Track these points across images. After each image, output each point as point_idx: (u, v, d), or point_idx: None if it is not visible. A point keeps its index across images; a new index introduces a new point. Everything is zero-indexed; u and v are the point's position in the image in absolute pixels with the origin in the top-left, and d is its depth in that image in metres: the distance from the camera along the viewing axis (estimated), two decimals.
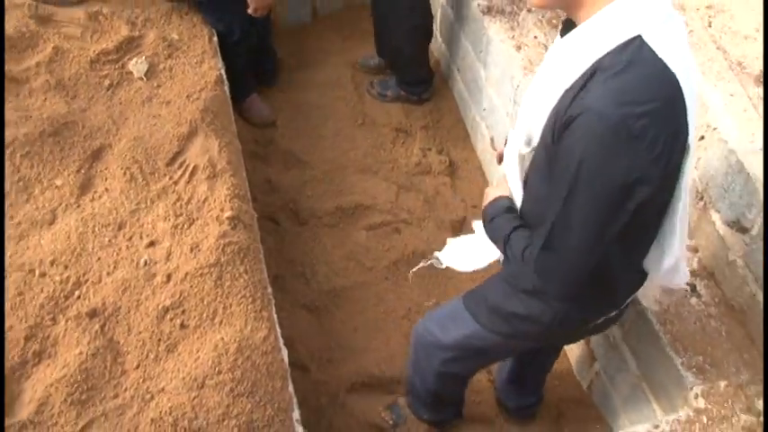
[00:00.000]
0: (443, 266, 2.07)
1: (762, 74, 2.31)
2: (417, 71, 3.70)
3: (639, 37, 1.34)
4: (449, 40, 3.79)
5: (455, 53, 3.72)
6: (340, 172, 3.44)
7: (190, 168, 2.46)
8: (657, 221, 1.59)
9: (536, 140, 1.58)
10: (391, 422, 2.63)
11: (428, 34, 3.60)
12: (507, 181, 1.79)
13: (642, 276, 1.76)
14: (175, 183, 2.44)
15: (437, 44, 3.97)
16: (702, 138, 2.29)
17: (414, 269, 2.21)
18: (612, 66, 1.34)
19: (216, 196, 2.38)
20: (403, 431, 2.60)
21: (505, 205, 1.79)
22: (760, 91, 2.28)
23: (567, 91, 1.40)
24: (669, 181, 1.45)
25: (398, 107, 3.73)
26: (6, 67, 2.76)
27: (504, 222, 1.75)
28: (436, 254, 2.10)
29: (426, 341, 2.19)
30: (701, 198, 2.32)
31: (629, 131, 1.31)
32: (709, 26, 2.46)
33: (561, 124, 1.40)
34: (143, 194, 2.41)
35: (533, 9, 3.06)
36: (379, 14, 3.51)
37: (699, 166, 2.33)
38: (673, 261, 1.65)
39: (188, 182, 2.42)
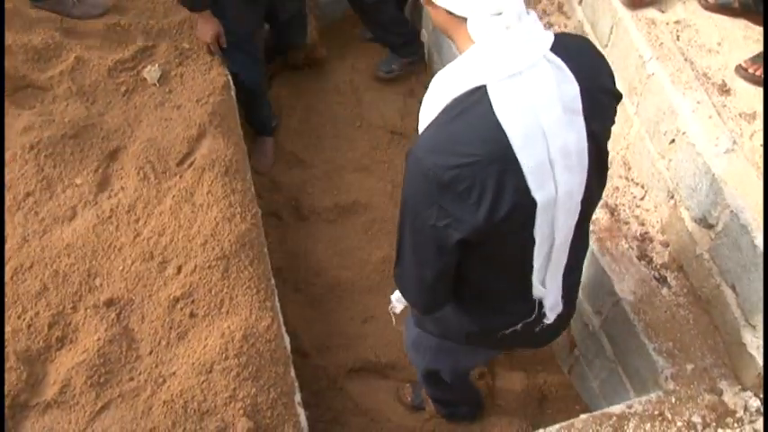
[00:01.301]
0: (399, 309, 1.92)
1: (725, 84, 2.33)
2: (402, 33, 3.79)
3: (483, 87, 1.24)
4: (439, 48, 3.79)
5: (446, 60, 3.72)
6: (338, 171, 3.45)
7: (199, 168, 2.47)
8: (519, 257, 1.47)
9: None
10: (410, 399, 2.63)
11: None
12: None
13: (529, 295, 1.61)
14: (185, 181, 2.44)
15: (428, 51, 3.97)
16: (673, 141, 2.31)
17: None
18: (451, 110, 1.26)
19: (223, 194, 2.39)
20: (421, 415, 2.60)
21: None
22: (723, 99, 2.30)
23: (426, 126, 1.32)
24: (507, 229, 1.33)
25: (394, 110, 3.73)
26: (32, 76, 2.78)
27: None
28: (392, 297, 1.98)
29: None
30: (672, 196, 2.34)
31: (439, 180, 1.25)
32: (678, 39, 2.47)
33: (406, 156, 1.35)
34: (155, 192, 2.42)
35: None
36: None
37: (670, 167, 2.34)
38: (551, 298, 1.59)
39: (197, 180, 2.43)
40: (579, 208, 1.42)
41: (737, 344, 2.07)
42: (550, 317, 1.65)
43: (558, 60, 1.27)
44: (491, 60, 1.22)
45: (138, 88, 2.77)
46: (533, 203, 1.31)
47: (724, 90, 2.34)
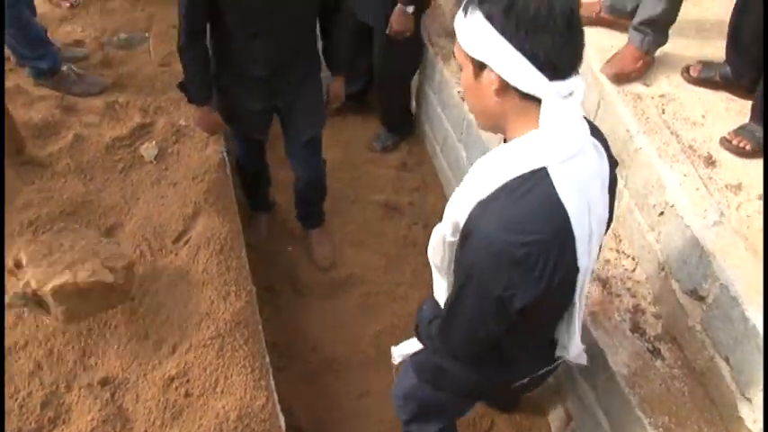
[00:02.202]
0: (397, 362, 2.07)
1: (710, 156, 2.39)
2: (403, 115, 4.01)
3: (544, 169, 1.32)
4: (432, 121, 3.87)
5: (438, 134, 3.80)
6: None
7: (194, 246, 2.49)
8: (552, 319, 1.68)
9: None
10: None
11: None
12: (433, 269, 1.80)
13: (546, 352, 1.81)
14: (181, 259, 2.46)
15: (420, 124, 4.06)
16: (662, 213, 2.35)
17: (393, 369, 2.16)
18: (514, 191, 1.33)
19: (218, 272, 2.41)
20: None
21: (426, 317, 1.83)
22: (710, 171, 2.35)
23: (479, 202, 1.38)
24: (556, 295, 1.45)
25: (388, 184, 3.78)
26: (33, 152, 2.83)
27: (423, 328, 1.83)
28: (393, 349, 2.10)
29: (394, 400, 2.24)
30: (663, 268, 2.36)
31: (511, 257, 1.32)
32: (663, 113, 2.54)
33: (463, 233, 1.42)
34: (151, 269, 2.43)
35: None
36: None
37: (660, 239, 2.37)
38: (575, 350, 1.76)
39: (192, 258, 2.45)
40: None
41: (734, 417, 2.06)
42: (573, 361, 1.85)
43: (595, 140, 1.43)
44: (556, 143, 1.31)
45: (135, 165, 2.82)
46: (577, 270, 1.43)
47: (710, 162, 2.39)
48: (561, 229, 1.34)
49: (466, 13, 1.28)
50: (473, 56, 1.30)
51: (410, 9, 3.29)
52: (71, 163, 2.81)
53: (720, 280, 2.06)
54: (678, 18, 2.63)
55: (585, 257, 1.42)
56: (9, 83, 3.09)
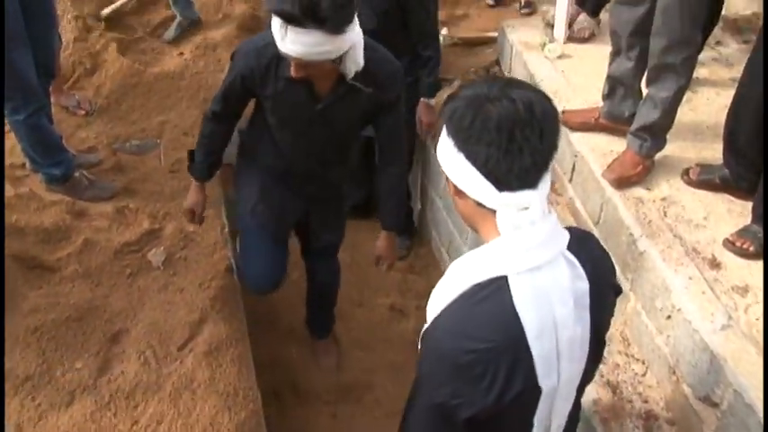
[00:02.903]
0: None
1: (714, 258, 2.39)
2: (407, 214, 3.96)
3: (504, 278, 1.27)
4: (438, 225, 3.92)
5: (443, 237, 3.84)
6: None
7: (200, 353, 2.48)
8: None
9: None
10: None
11: None
12: None
13: None
14: (186, 367, 2.44)
15: (427, 227, 4.10)
16: (669, 317, 2.33)
17: None
18: (471, 297, 1.29)
19: (223, 381, 2.38)
20: None
21: None
22: (715, 273, 2.35)
23: (442, 307, 1.35)
24: (514, 413, 1.36)
25: (395, 288, 3.78)
26: (42, 257, 2.86)
27: None
28: None
29: None
30: (674, 373, 2.32)
31: (455, 362, 1.29)
32: (665, 216, 2.57)
33: (421, 336, 1.39)
34: (155, 377, 2.41)
35: None
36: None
37: (669, 342, 2.35)
38: None
39: (198, 366, 2.43)
40: (575, 393, 1.46)
41: None
42: None
43: (572, 257, 1.33)
44: (515, 253, 1.26)
45: (142, 270, 2.83)
46: (539, 390, 1.34)
47: (714, 264, 2.40)
48: (514, 342, 1.28)
49: None
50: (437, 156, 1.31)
51: (432, 101, 3.40)
52: (79, 268, 2.82)
53: (733, 386, 2.02)
54: (675, 122, 2.71)
55: (552, 378, 1.34)
56: (23, 188, 3.15)
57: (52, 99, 3.34)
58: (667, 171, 2.78)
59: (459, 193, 1.31)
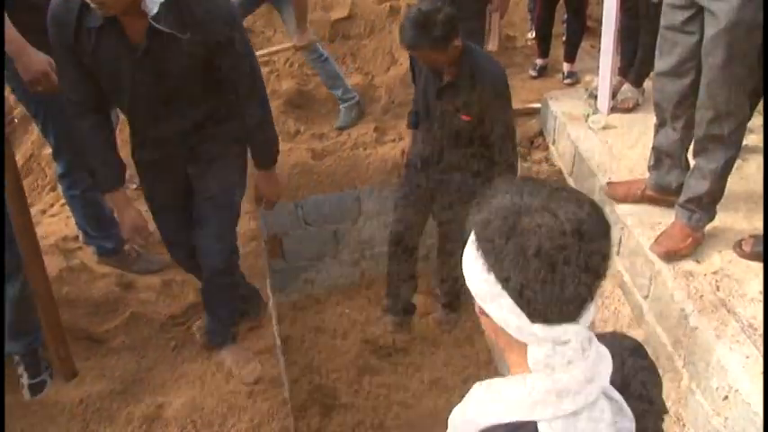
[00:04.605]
0: None
1: None
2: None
3: (534, 424, 1.04)
4: None
5: None
6: None
7: (242, 430, 2.44)
8: None
9: None
10: None
11: None
12: None
13: None
14: None
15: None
16: (726, 398, 2.22)
17: None
18: None
19: None
20: None
21: None
22: None
23: None
24: None
25: None
26: (90, 329, 2.90)
27: None
28: None
29: None
30: None
31: None
32: (718, 290, 2.48)
33: None
34: None
35: None
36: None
37: (727, 425, 2.23)
38: None
39: None
40: None
41: None
42: None
43: (616, 395, 1.13)
44: (547, 399, 1.04)
45: (186, 343, 2.84)
46: None
47: None
48: None
49: None
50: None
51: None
52: (126, 340, 2.86)
53: None
54: (725, 192, 2.64)
55: None
56: (75, 261, 3.24)
57: None
58: (719, 243, 2.70)
59: (485, 314, 1.09)
